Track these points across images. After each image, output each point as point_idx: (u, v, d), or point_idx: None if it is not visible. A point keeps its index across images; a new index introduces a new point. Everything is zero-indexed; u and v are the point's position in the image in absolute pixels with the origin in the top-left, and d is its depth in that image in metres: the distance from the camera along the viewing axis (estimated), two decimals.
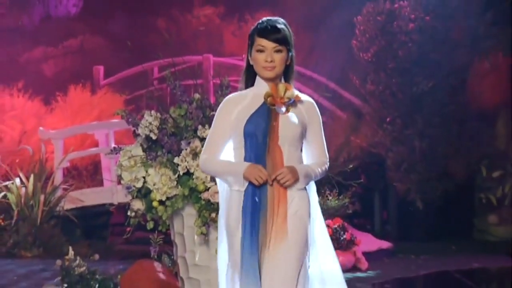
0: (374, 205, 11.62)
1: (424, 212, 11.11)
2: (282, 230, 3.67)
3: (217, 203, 4.14)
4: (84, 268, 6.32)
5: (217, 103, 4.02)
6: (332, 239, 8.75)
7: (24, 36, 14.07)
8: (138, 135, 5.61)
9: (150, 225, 5.60)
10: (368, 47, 11.20)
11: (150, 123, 5.50)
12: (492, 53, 11.41)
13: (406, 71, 11.04)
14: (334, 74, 11.67)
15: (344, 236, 8.61)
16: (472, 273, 9.02)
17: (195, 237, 5.57)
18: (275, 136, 3.72)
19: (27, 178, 9.95)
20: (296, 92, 3.79)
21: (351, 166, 7.60)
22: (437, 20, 11.05)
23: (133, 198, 5.59)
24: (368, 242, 9.45)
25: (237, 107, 3.79)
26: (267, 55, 3.73)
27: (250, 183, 3.69)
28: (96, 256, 6.69)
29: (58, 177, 10.53)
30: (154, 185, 5.43)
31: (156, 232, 6.06)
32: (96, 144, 11.40)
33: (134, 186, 5.51)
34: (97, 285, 6.31)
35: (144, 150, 5.58)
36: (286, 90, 3.74)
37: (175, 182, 5.43)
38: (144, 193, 5.54)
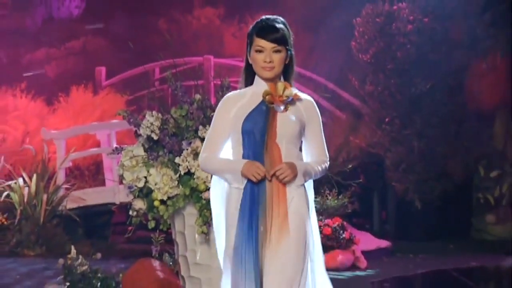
0: (373, 205, 11.62)
1: (423, 211, 11.10)
2: (283, 229, 3.65)
3: None
4: (86, 266, 6.30)
5: (218, 104, 4.04)
6: (331, 238, 8.84)
7: (26, 38, 14.07)
8: (140, 135, 5.61)
9: (152, 224, 5.58)
10: (367, 48, 11.20)
11: (152, 124, 5.50)
12: (490, 54, 11.39)
13: (404, 72, 11.05)
14: (333, 74, 11.65)
15: (344, 235, 8.63)
16: (470, 272, 9.02)
17: (196, 236, 5.57)
18: (273, 134, 3.70)
19: (30, 178, 9.94)
20: (295, 91, 3.77)
21: (350, 166, 7.62)
22: (436, 22, 11.05)
23: (134, 197, 5.58)
24: (367, 241, 9.47)
25: (236, 105, 3.78)
26: (266, 56, 3.71)
27: (249, 180, 3.67)
28: (98, 255, 6.66)
29: (60, 177, 10.52)
30: (155, 184, 5.43)
31: (158, 231, 6.00)
32: (98, 144, 11.41)
33: (135, 185, 5.51)
34: (99, 284, 6.28)
35: (145, 150, 5.58)
36: (285, 88, 3.73)
37: (176, 182, 5.43)
38: (145, 192, 5.54)
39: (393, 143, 11.14)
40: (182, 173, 5.43)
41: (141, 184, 5.50)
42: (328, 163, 3.86)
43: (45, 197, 9.80)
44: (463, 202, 11.47)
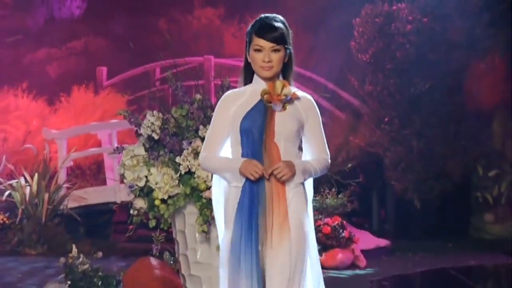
0: (372, 204, 11.62)
1: (422, 210, 11.10)
2: (284, 228, 3.63)
3: None
4: (87, 265, 6.30)
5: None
6: (331, 237, 8.85)
7: (28, 38, 14.08)
8: (141, 135, 5.64)
9: (152, 223, 5.61)
10: (366, 49, 11.20)
11: (152, 123, 5.53)
12: (489, 54, 11.38)
13: (404, 72, 11.05)
14: (333, 75, 11.63)
15: (343, 234, 8.64)
16: (468, 271, 9.03)
17: (197, 235, 5.60)
18: (271, 133, 3.68)
19: (32, 177, 9.93)
20: (294, 89, 3.74)
21: (350, 165, 7.61)
22: (435, 22, 11.05)
23: (135, 196, 5.61)
24: (366, 240, 9.48)
25: (235, 103, 3.76)
26: (265, 55, 3.69)
27: (248, 178, 3.65)
28: (99, 254, 6.65)
29: (62, 176, 10.53)
30: (156, 184, 5.46)
31: (158, 230, 6.00)
32: (99, 144, 11.40)
33: (136, 185, 5.54)
34: (100, 282, 6.28)
35: (146, 150, 5.61)
36: (283, 87, 3.70)
37: (177, 181, 5.46)
38: (146, 191, 5.57)
39: (392, 143, 11.13)
40: (183, 172, 5.45)
41: (142, 183, 5.53)
42: (329, 160, 3.83)
43: (46, 196, 9.80)
44: (462, 201, 11.46)
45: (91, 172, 11.81)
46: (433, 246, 10.35)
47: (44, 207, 9.78)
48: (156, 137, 5.57)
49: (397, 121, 11.14)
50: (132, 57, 12.21)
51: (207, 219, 5.45)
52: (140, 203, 5.61)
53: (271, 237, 3.63)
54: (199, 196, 5.48)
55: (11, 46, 13.67)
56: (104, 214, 10.87)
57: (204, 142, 3.84)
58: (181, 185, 5.49)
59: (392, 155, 11.14)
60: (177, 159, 5.44)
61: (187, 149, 5.44)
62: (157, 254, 6.47)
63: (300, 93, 3.78)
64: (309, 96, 3.83)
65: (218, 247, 3.89)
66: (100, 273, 6.36)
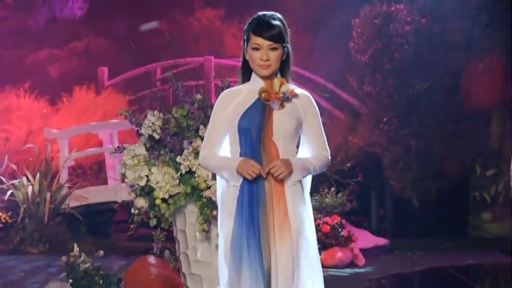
0: (371, 203, 11.62)
1: (420, 209, 11.10)
2: (284, 228, 3.61)
3: None
4: (88, 264, 6.28)
5: None
6: (330, 236, 8.88)
7: (30, 38, 14.09)
8: (142, 134, 5.65)
9: (153, 222, 5.61)
10: (365, 49, 11.20)
11: (153, 123, 5.54)
12: (487, 55, 11.36)
13: (402, 73, 11.04)
14: (332, 75, 11.60)
15: (342, 233, 8.65)
16: (466, 269, 9.03)
17: (197, 234, 5.61)
18: (269, 131, 3.66)
19: (34, 177, 9.93)
20: (292, 87, 3.71)
21: (349, 165, 7.65)
22: (433, 23, 11.04)
23: (136, 196, 5.63)
24: (365, 239, 9.49)
25: (233, 101, 3.72)
26: (263, 54, 3.65)
27: (245, 178, 3.62)
28: (101, 253, 6.60)
29: (63, 175, 10.54)
30: (157, 183, 5.47)
31: (159, 229, 5.97)
32: (100, 144, 11.41)
33: (137, 184, 5.55)
34: (101, 281, 6.26)
35: (147, 149, 5.62)
36: (281, 85, 3.66)
37: (178, 181, 5.47)
38: (147, 191, 5.58)
39: (390, 143, 11.13)
40: (183, 172, 5.46)
41: (143, 183, 5.54)
42: (329, 157, 3.79)
43: (48, 195, 9.81)
44: (460, 200, 11.46)
45: (92, 171, 11.79)
46: (432, 245, 10.35)
47: (46, 206, 9.79)
48: (157, 137, 5.59)
49: (395, 121, 11.13)
50: (133, 57, 12.20)
51: (208, 218, 5.47)
52: (141, 202, 5.62)
53: (273, 237, 3.62)
54: (199, 195, 5.50)
55: (13, 46, 13.68)
56: (105, 213, 10.87)
57: (204, 140, 3.81)
58: (181, 185, 5.51)
59: (391, 155, 11.14)
60: (178, 159, 5.46)
61: (188, 148, 5.46)
62: (158, 252, 6.44)
63: (298, 90, 3.76)
64: (307, 93, 3.80)
65: (218, 246, 3.85)
66: (101, 272, 6.35)
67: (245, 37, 3.73)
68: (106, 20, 14.33)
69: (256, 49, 3.68)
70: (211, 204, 5.42)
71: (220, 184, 3.81)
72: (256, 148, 3.67)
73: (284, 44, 3.70)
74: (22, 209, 9.83)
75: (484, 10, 11.17)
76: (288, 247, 3.61)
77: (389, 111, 11.17)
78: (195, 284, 5.76)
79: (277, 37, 3.67)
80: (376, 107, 11.24)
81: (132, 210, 5.71)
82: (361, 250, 9.01)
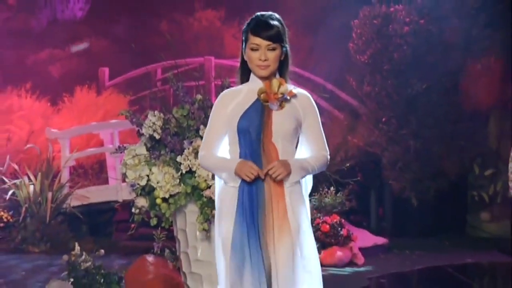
0: (370, 203, 11.59)
1: (419, 209, 11.08)
2: (283, 228, 3.60)
3: None
4: (89, 263, 6.29)
5: None
6: (329, 235, 8.91)
7: (31, 39, 14.12)
8: (142, 134, 5.68)
9: (154, 221, 5.65)
10: (364, 50, 11.17)
11: (154, 123, 5.57)
12: (485, 55, 11.34)
13: (401, 73, 11.02)
14: (331, 75, 11.57)
15: (341, 232, 8.66)
16: (465, 268, 9.03)
17: (197, 233, 5.64)
18: (268, 132, 3.64)
19: (35, 176, 9.93)
20: (290, 87, 3.69)
21: (348, 164, 7.65)
22: (432, 23, 11.01)
23: (137, 195, 5.66)
24: (364, 238, 9.49)
25: (232, 102, 3.71)
26: (261, 54, 3.64)
27: (243, 179, 3.61)
28: (102, 252, 6.60)
29: (64, 175, 10.54)
30: (157, 183, 5.49)
31: (160, 228, 6.00)
32: (101, 144, 11.41)
33: (138, 184, 5.58)
34: (102, 280, 6.27)
35: (148, 149, 5.65)
36: (280, 85, 3.65)
37: (178, 180, 5.50)
38: (148, 190, 5.61)
39: (390, 143, 11.11)
40: (184, 171, 5.49)
41: (143, 183, 5.57)
42: (329, 157, 3.78)
43: (49, 195, 9.81)
44: (459, 200, 11.43)
45: (93, 171, 11.79)
46: (430, 244, 10.34)
47: (47, 206, 9.79)
48: (157, 136, 5.61)
49: (394, 121, 11.11)
50: (134, 58, 12.16)
51: (208, 218, 5.49)
52: (142, 202, 5.65)
53: (272, 237, 3.61)
54: (199, 195, 5.53)
55: (15, 47, 13.69)
56: (106, 212, 10.87)
57: (203, 140, 3.81)
58: (182, 184, 5.53)
59: (390, 155, 11.13)
60: (178, 159, 5.48)
61: (188, 148, 5.48)
62: (158, 252, 6.44)
63: (297, 90, 3.74)
64: (306, 93, 3.78)
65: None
66: (102, 271, 6.36)
67: (243, 38, 3.73)
68: (107, 21, 14.31)
69: (255, 49, 3.67)
70: (211, 204, 5.42)
71: (218, 184, 3.80)
72: (255, 149, 3.65)
73: (282, 44, 3.69)
74: (23, 209, 9.83)
75: (482, 10, 11.14)
76: (287, 248, 3.61)
77: (388, 111, 11.15)
78: (195, 283, 5.79)
79: (276, 37, 3.66)
80: (375, 107, 11.22)
81: (133, 210, 5.73)
82: (360, 249, 9.02)
